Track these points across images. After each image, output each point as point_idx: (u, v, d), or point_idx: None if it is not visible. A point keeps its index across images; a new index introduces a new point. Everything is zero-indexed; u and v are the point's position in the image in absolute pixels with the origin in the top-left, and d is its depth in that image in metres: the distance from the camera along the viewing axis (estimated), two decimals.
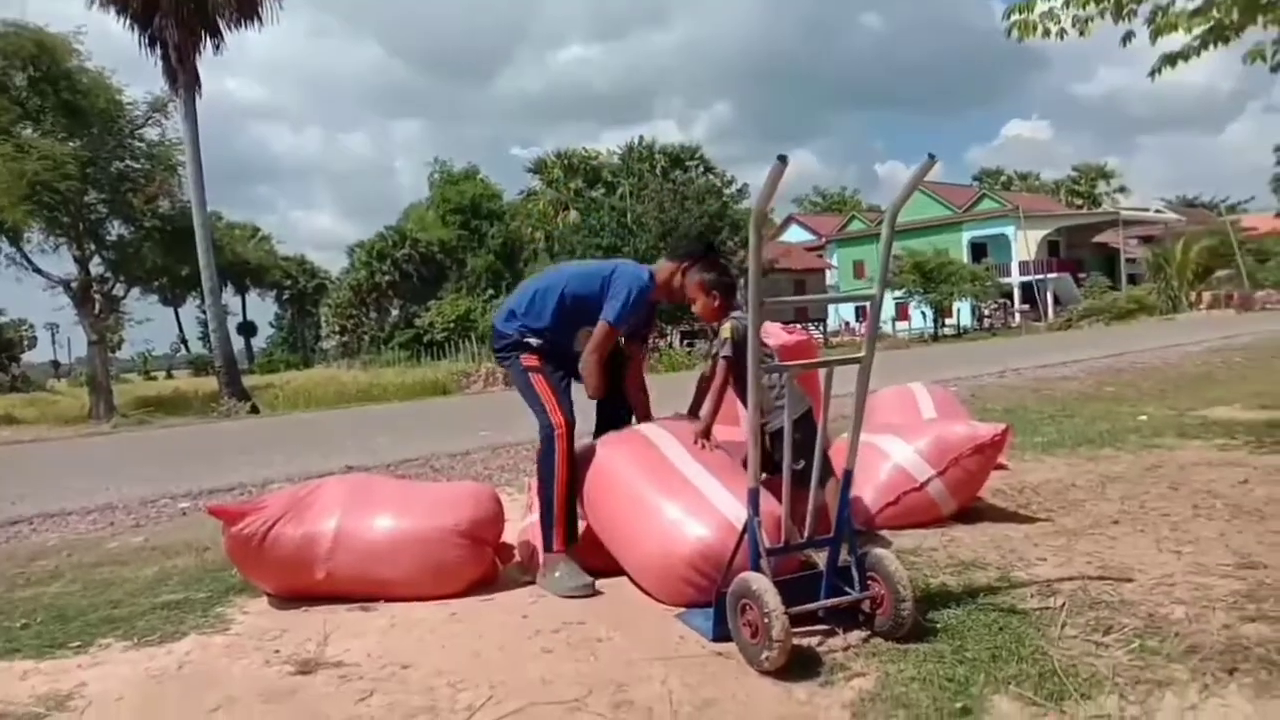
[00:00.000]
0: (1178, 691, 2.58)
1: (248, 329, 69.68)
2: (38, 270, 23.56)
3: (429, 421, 13.43)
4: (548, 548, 3.91)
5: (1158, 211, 56.26)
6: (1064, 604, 3.28)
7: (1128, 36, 6.02)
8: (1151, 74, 6.26)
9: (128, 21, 21.14)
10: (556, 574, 3.83)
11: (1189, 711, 2.48)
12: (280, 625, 3.58)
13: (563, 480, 3.89)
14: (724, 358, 3.73)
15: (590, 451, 4.01)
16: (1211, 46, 5.92)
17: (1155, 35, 5.99)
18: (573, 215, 45.82)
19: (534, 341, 4.06)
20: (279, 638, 3.43)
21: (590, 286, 4.03)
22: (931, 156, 3.00)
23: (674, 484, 3.67)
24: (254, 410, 20.73)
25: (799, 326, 4.04)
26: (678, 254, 4.10)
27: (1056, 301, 45.83)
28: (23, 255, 23.42)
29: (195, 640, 3.47)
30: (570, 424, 3.94)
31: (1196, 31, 5.94)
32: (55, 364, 69.22)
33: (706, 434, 3.86)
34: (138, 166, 24.31)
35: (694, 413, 4.10)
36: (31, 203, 20.69)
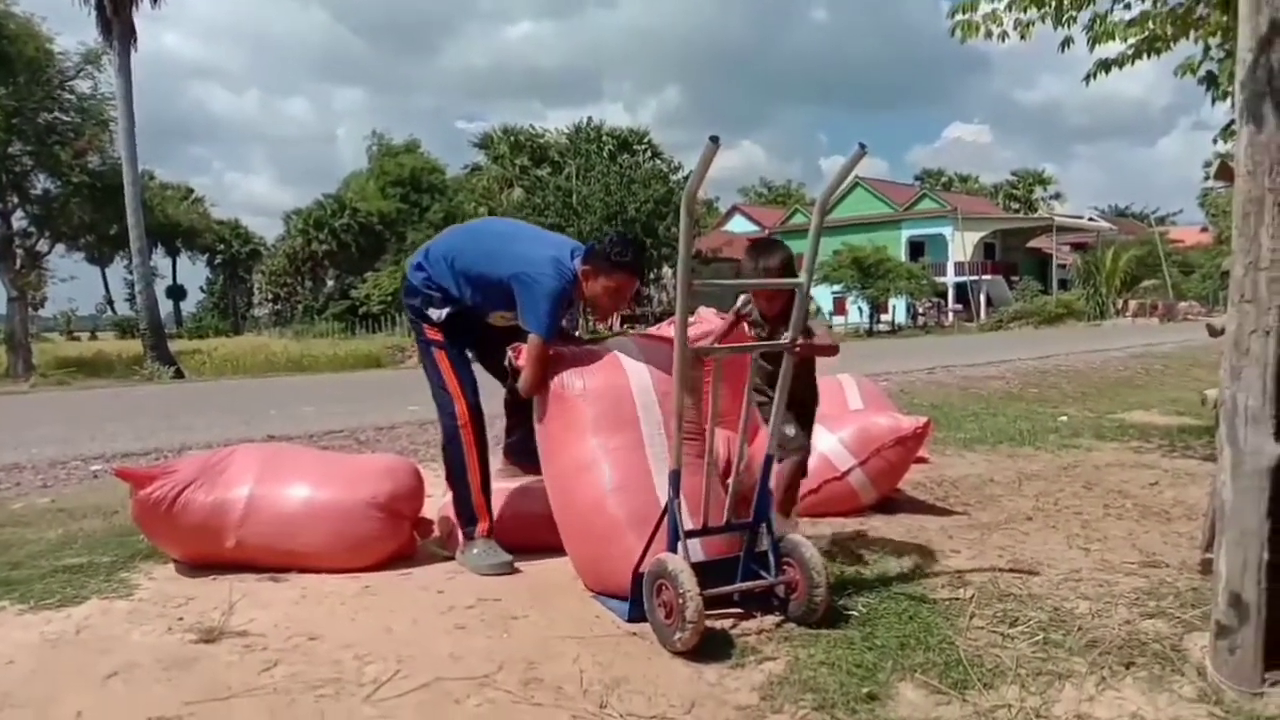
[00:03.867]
0: (1076, 683, 2.65)
1: (177, 292, 67.66)
2: None
3: (358, 394, 13.21)
4: (467, 532, 3.85)
5: (1090, 220, 57.59)
6: (973, 595, 3.35)
7: (1066, 42, 6.12)
8: (1086, 79, 6.39)
9: None
10: (475, 551, 3.78)
11: (1085, 703, 2.55)
12: (186, 593, 3.48)
13: (475, 470, 3.80)
14: (738, 313, 3.44)
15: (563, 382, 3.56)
16: (1145, 56, 6.06)
17: (1093, 43, 6.12)
18: (517, 193, 45.37)
19: (438, 313, 3.82)
20: (184, 605, 3.34)
21: (496, 273, 3.68)
22: (861, 146, 3.02)
23: (634, 476, 3.38)
24: (179, 375, 20.25)
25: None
26: (585, 260, 3.65)
27: (989, 303, 46.71)
28: None
29: (96, 605, 3.36)
30: (474, 410, 3.80)
31: (1131, 41, 6.07)
32: None
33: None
34: (67, 120, 23.52)
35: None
36: None
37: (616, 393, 3.52)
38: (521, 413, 3.96)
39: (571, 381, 3.55)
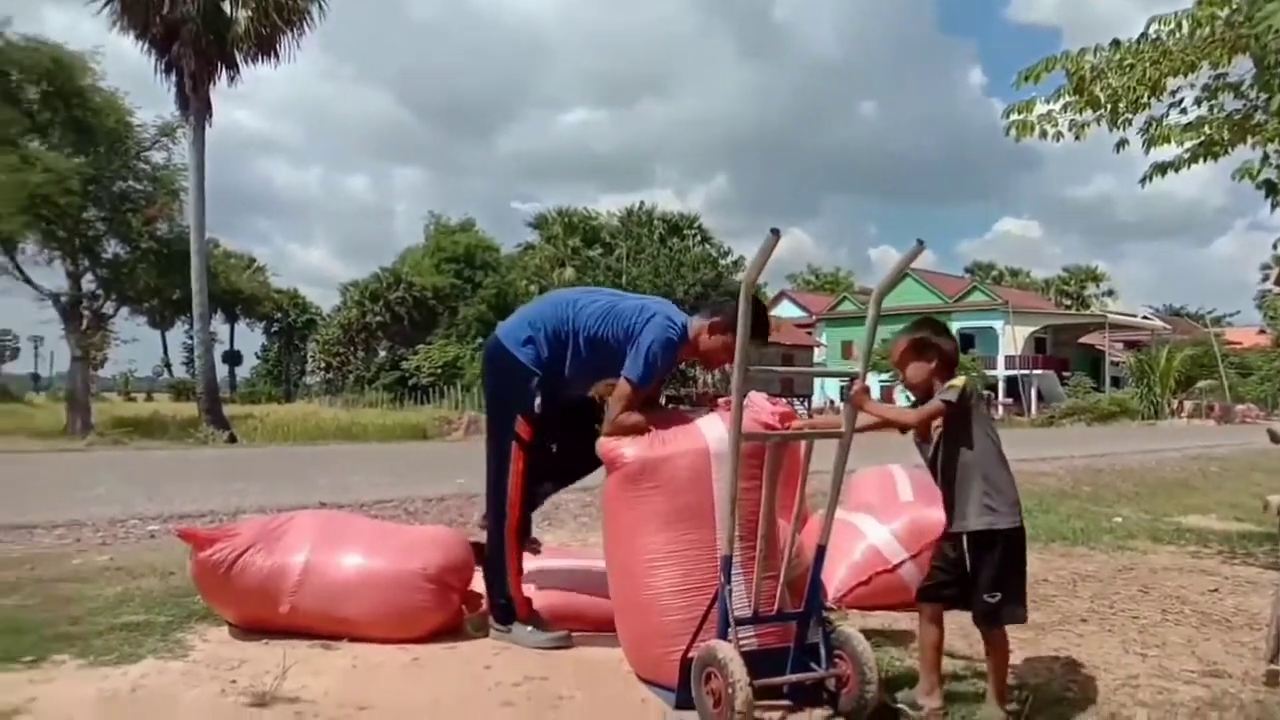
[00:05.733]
0: None
1: (233, 358, 69.34)
2: (28, 281, 23.46)
3: (407, 464, 13.34)
4: (501, 620, 3.84)
5: (1144, 318, 57.03)
6: (1028, 698, 3.27)
7: (1121, 144, 6.17)
8: (1143, 180, 6.43)
9: (146, 46, 21.41)
10: (528, 629, 3.79)
11: None
12: (240, 655, 3.54)
13: (514, 563, 3.82)
14: (944, 400, 3.04)
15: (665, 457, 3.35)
16: (1201, 160, 6.09)
17: (1149, 145, 6.16)
18: (569, 272, 46.14)
19: (537, 401, 3.68)
20: (237, 668, 3.39)
21: (616, 328, 3.64)
22: (919, 242, 3.08)
23: (698, 578, 3.26)
24: (232, 439, 20.56)
25: (783, 400, 3.97)
26: (714, 314, 3.63)
27: (1040, 398, 46.13)
28: (15, 265, 23.35)
29: (152, 664, 3.43)
30: (522, 521, 3.81)
31: (1188, 145, 6.11)
32: (35, 377, 68.68)
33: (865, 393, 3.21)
34: (140, 188, 24.39)
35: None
36: (30, 214, 20.71)
37: (698, 489, 3.31)
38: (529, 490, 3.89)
39: (650, 468, 3.36)
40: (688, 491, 3.30)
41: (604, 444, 3.48)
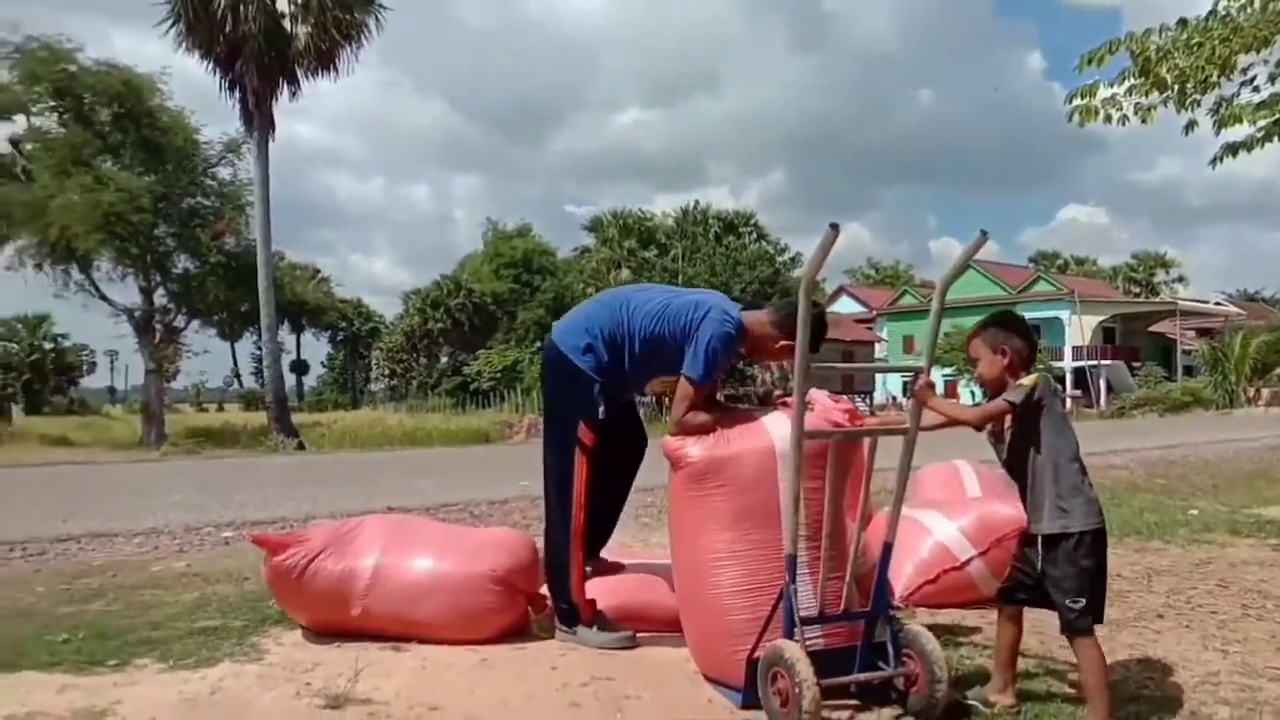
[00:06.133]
0: None
1: (300, 367, 70.81)
2: (104, 298, 24.24)
3: (470, 468, 13.50)
4: (569, 622, 3.85)
5: (1217, 304, 55.39)
6: None
7: (1190, 125, 6.02)
8: (1213, 162, 6.26)
9: (211, 65, 21.96)
10: (593, 628, 3.81)
11: None
12: (313, 658, 3.61)
13: (578, 568, 3.82)
14: (1008, 400, 2.96)
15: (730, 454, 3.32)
16: (1276, 139, 5.90)
17: (1219, 126, 6.00)
18: (625, 274, 46.20)
19: (601, 405, 3.67)
20: (311, 671, 3.46)
21: (672, 327, 3.62)
22: (983, 232, 3.03)
23: (763, 579, 3.24)
24: (301, 447, 20.99)
25: (845, 397, 3.91)
26: (780, 314, 3.59)
27: (1110, 389, 45.08)
28: (91, 282, 24.13)
29: (229, 667, 3.52)
30: (587, 527, 3.79)
31: (1261, 123, 5.93)
32: (112, 390, 70.78)
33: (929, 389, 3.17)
34: (208, 204, 25.06)
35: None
36: (104, 232, 21.41)
37: (763, 487, 3.27)
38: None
39: (715, 467, 3.34)
40: (752, 490, 3.27)
41: (669, 443, 3.48)
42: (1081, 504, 2.92)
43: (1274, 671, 3.54)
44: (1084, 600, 2.88)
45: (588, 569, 3.96)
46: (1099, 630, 2.87)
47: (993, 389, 3.07)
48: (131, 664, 3.55)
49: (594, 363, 3.71)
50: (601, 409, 3.70)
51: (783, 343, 3.50)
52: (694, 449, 3.39)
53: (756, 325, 3.64)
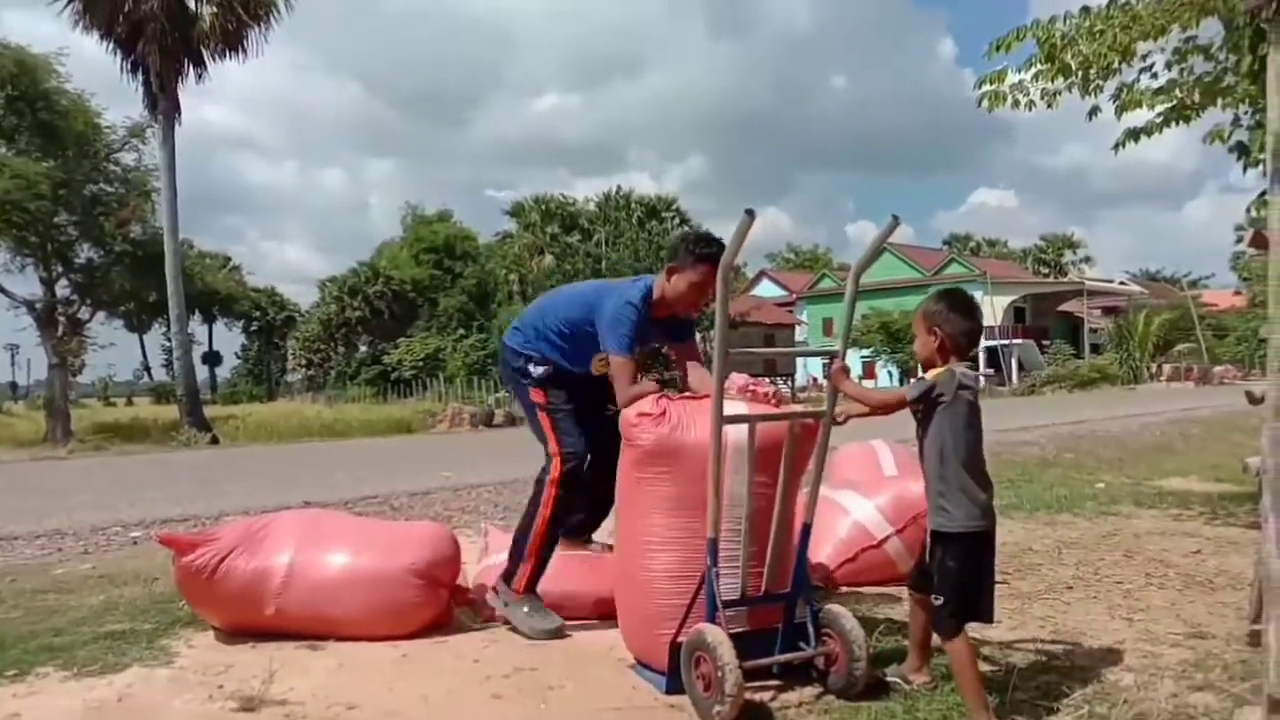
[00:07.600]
0: None
1: (212, 358, 68.75)
2: (1, 290, 23.20)
3: (391, 460, 13.30)
4: (507, 582, 3.85)
5: (1121, 284, 57.36)
6: (1015, 667, 3.29)
7: (1093, 111, 6.18)
8: (1115, 147, 6.44)
9: (111, 46, 21.10)
10: (525, 609, 3.79)
11: None
12: (226, 660, 3.51)
13: (540, 531, 3.80)
14: (905, 393, 2.99)
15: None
16: (1173, 124, 6.11)
17: (1120, 111, 6.17)
18: (548, 259, 45.93)
19: (537, 371, 3.97)
20: (224, 673, 3.36)
21: (581, 311, 3.91)
22: (895, 218, 3.07)
23: (695, 564, 3.19)
24: (214, 441, 20.41)
25: (766, 380, 3.95)
26: (669, 253, 3.99)
27: (1021, 367, 46.36)
28: None
29: (138, 672, 3.39)
30: (572, 457, 3.84)
31: (1159, 109, 6.12)
32: (13, 385, 67.99)
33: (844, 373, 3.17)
34: (111, 190, 24.08)
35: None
36: (0, 221, 20.45)
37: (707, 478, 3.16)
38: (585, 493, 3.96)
39: (663, 452, 3.30)
40: (700, 480, 3.17)
41: (627, 417, 3.43)
42: (965, 505, 2.87)
43: (1174, 638, 3.68)
44: (943, 599, 2.87)
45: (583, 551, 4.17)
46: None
47: (925, 368, 3.05)
48: (32, 673, 3.40)
49: (520, 339, 4.06)
50: (535, 371, 3.97)
51: (688, 278, 3.72)
52: (647, 433, 3.33)
53: (660, 284, 3.84)
